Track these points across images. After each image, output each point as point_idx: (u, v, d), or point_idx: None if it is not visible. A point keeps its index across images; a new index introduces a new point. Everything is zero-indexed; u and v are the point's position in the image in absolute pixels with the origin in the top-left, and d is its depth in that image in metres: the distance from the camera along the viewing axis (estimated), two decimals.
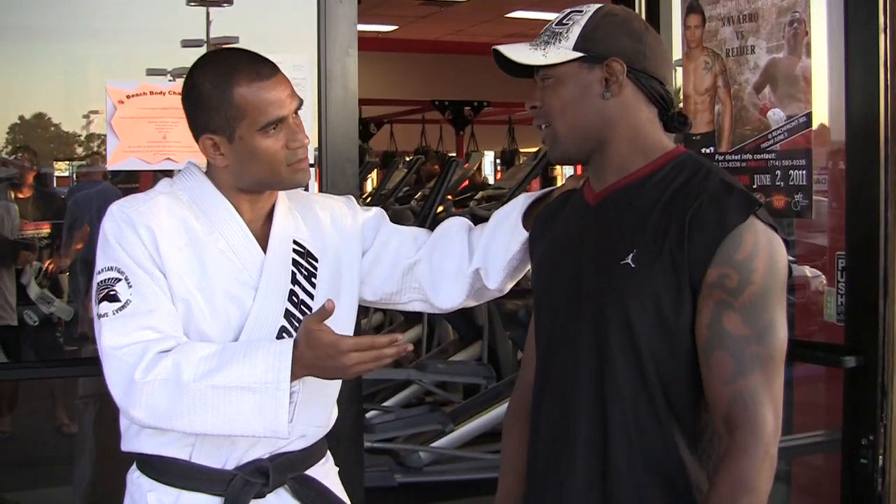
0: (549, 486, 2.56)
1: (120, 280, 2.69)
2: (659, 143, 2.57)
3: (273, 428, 2.61)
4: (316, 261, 2.96)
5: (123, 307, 2.67)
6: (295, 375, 2.62)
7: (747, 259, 2.33)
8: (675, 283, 2.37)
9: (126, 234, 2.71)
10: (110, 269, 2.71)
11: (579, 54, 2.51)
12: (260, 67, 2.76)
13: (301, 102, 2.83)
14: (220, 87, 2.73)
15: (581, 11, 2.56)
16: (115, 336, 2.65)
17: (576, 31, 2.52)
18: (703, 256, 2.34)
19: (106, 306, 2.68)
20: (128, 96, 4.12)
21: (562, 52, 2.52)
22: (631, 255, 2.42)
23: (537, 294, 2.73)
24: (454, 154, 19.97)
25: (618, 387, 2.43)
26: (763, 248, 2.35)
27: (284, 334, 2.81)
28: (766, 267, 2.34)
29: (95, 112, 7.00)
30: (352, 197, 3.24)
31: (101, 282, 2.71)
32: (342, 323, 2.90)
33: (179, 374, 2.59)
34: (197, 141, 2.82)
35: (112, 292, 2.68)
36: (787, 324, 2.39)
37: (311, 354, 2.59)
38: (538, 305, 2.72)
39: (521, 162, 17.61)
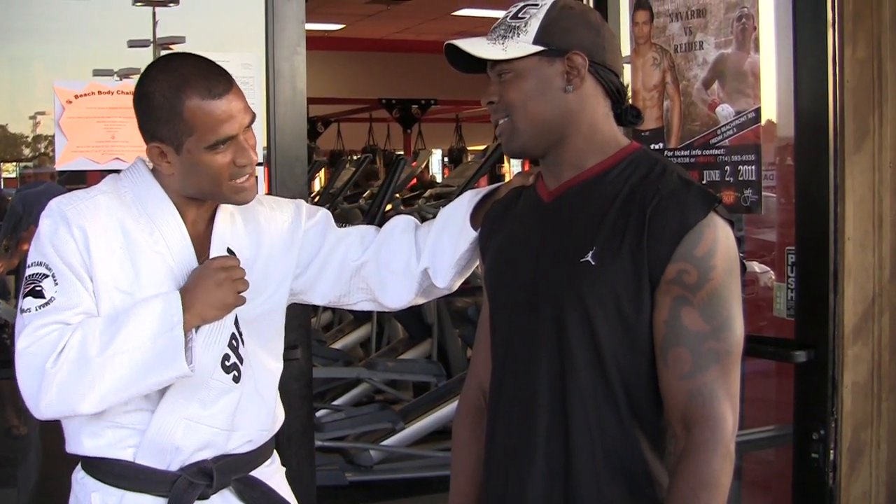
0: (510, 485, 2.55)
1: (47, 277, 2.68)
2: (614, 139, 2.56)
3: (174, 370, 2.63)
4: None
5: (47, 304, 2.66)
6: (189, 323, 2.65)
7: (706, 255, 2.33)
8: (634, 280, 2.36)
9: (59, 233, 2.71)
10: (39, 264, 2.70)
11: (540, 48, 2.49)
12: (213, 83, 2.70)
13: (254, 117, 2.80)
14: (170, 100, 2.68)
15: (536, 5, 2.54)
16: (28, 336, 2.65)
17: (534, 25, 2.50)
18: (663, 253, 2.33)
19: (30, 301, 2.68)
20: (76, 96, 4.10)
21: (521, 45, 2.50)
22: (590, 252, 2.40)
23: (492, 293, 2.71)
24: (402, 152, 19.97)
25: (579, 385, 2.42)
26: (722, 244, 2.35)
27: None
28: (725, 263, 2.35)
29: (42, 113, 6.96)
30: (302, 202, 3.19)
31: (29, 276, 2.71)
32: (266, 323, 2.97)
33: (87, 350, 2.59)
34: (146, 143, 2.79)
35: (38, 288, 2.68)
36: (743, 319, 2.39)
37: (197, 291, 2.67)
38: (493, 304, 2.70)
39: (468, 160, 17.68)
